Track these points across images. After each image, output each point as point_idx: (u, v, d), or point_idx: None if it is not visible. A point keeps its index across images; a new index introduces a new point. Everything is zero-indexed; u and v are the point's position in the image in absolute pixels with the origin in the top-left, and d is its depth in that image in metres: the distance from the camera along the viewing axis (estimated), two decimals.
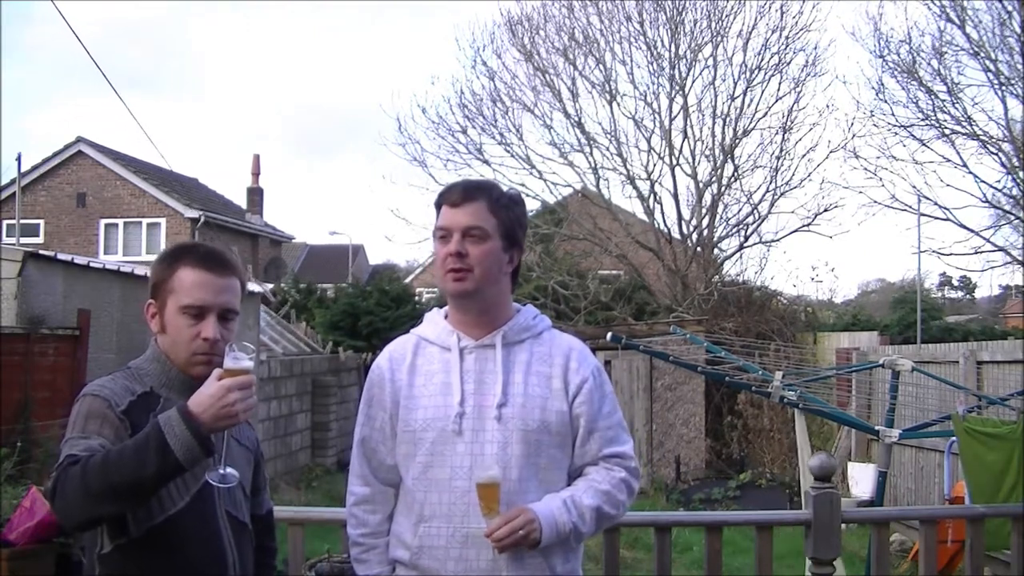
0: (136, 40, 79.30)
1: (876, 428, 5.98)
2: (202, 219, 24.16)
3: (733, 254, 17.09)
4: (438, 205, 2.28)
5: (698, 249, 16.64)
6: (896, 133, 15.27)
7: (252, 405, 1.90)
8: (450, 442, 2.20)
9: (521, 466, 2.18)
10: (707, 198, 16.66)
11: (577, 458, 2.28)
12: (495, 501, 2.09)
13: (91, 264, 9.51)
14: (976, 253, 15.77)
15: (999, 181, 15.23)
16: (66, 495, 1.83)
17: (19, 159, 21.97)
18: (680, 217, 16.91)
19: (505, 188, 2.37)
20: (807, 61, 16.36)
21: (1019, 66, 14.17)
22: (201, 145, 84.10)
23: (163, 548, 2.02)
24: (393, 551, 2.28)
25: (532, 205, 16.93)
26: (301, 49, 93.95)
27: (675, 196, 16.77)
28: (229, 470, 2.01)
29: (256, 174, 28.85)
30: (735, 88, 16.38)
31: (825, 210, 16.16)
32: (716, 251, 17.01)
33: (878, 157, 15.71)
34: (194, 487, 2.06)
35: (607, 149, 16.90)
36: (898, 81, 15.21)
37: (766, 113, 16.44)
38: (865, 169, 15.77)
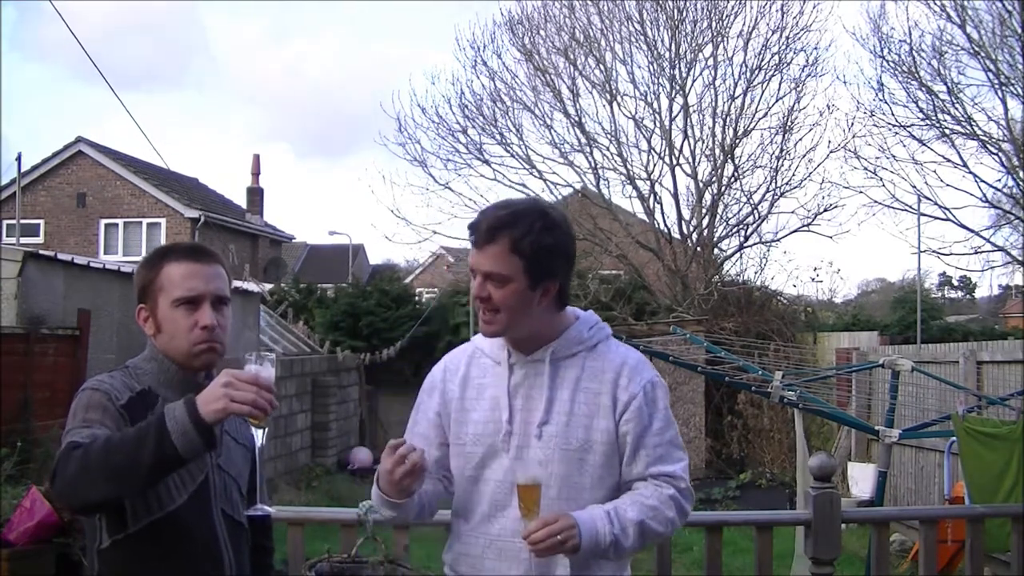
0: (143, 39, 79.31)
1: (876, 428, 5.99)
2: (202, 219, 24.15)
3: (733, 254, 17.10)
4: None
5: (698, 249, 16.63)
6: (896, 133, 15.28)
7: (263, 403, 1.85)
8: (496, 457, 2.21)
9: (560, 485, 2.16)
10: (707, 198, 16.66)
11: (624, 475, 2.23)
12: (535, 503, 2.07)
13: (91, 264, 9.52)
14: (976, 253, 15.78)
15: (999, 181, 15.25)
16: (67, 476, 1.83)
17: (19, 159, 21.93)
18: (680, 217, 16.92)
19: (549, 209, 2.23)
20: (807, 61, 16.36)
21: (1019, 66, 14.17)
22: (202, 144, 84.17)
23: (160, 545, 2.03)
24: (445, 553, 2.33)
25: None
26: (301, 48, 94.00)
27: (675, 196, 16.78)
28: (265, 508, 2.11)
29: (256, 174, 28.83)
30: (735, 88, 16.38)
31: (825, 210, 16.17)
32: (716, 251, 17.00)
33: (878, 157, 15.70)
34: (191, 486, 2.06)
35: (607, 149, 16.91)
36: (898, 80, 15.23)
37: (766, 113, 16.45)
38: (865, 169, 15.75)
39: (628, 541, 2.13)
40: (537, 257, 2.15)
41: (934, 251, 15.70)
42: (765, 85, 16.35)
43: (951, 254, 15.71)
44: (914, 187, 15.14)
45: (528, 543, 2.03)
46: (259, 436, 1.97)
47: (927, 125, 14.94)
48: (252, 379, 1.85)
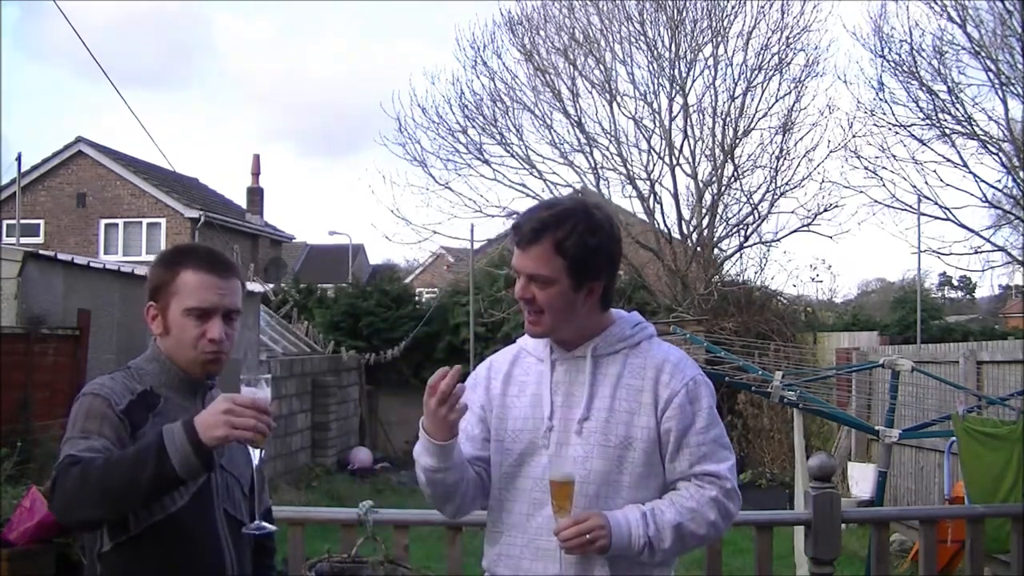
0: (145, 38, 79.30)
1: (876, 428, 5.99)
2: (202, 219, 24.14)
3: (733, 254, 17.08)
4: None
5: (698, 249, 16.62)
6: (896, 133, 15.27)
7: (263, 428, 1.87)
8: (536, 454, 2.20)
9: (599, 482, 2.15)
10: (707, 198, 16.65)
11: (668, 474, 2.21)
12: (567, 500, 2.07)
13: (91, 264, 9.52)
14: (976, 253, 15.77)
15: (999, 181, 15.24)
16: (65, 494, 1.84)
17: (19, 159, 21.92)
18: (680, 217, 16.90)
19: (594, 209, 2.22)
20: (807, 61, 16.34)
21: (1020, 66, 14.17)
22: (202, 144, 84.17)
23: (162, 547, 2.03)
24: (483, 559, 2.32)
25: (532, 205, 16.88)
26: (302, 48, 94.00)
27: (675, 196, 16.76)
28: (265, 525, 2.14)
29: (256, 174, 28.81)
30: (735, 88, 16.37)
31: (825, 210, 16.14)
32: (716, 251, 16.99)
33: (878, 157, 15.69)
34: (193, 487, 2.06)
35: (607, 149, 16.89)
36: (899, 80, 15.22)
37: (766, 113, 16.42)
38: (865, 168, 15.74)
39: (664, 544, 2.12)
40: (581, 258, 2.14)
41: (934, 251, 15.70)
42: (765, 85, 16.34)
43: (951, 254, 15.71)
44: (914, 187, 15.14)
45: (559, 540, 2.05)
46: (256, 455, 2.02)
47: (927, 125, 14.93)
48: (251, 403, 1.87)
